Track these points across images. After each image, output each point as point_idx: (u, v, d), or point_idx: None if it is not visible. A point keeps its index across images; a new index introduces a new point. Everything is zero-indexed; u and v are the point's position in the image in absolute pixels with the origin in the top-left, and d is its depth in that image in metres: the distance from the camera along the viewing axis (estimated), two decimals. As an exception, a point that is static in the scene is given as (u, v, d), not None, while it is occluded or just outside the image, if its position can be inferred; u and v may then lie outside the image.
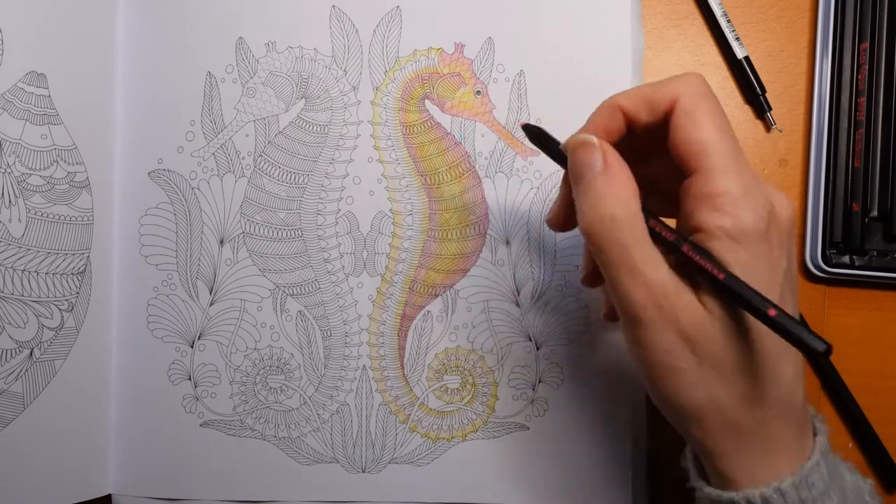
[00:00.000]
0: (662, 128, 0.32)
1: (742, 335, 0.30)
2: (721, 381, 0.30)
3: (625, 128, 0.32)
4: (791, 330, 0.27)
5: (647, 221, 0.30)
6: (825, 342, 0.27)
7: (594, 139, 0.31)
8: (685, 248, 0.30)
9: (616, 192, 0.30)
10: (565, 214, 0.35)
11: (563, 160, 0.33)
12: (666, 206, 0.34)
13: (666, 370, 0.30)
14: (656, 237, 0.30)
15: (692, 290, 0.30)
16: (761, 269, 0.29)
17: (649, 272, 0.29)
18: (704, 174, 0.30)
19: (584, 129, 0.33)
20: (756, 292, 0.28)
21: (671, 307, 0.29)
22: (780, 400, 0.30)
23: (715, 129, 0.30)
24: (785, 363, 0.30)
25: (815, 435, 0.33)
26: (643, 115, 0.32)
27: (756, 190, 0.29)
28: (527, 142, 0.39)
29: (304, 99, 0.44)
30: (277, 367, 0.44)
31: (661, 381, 0.31)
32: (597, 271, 0.34)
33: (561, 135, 0.37)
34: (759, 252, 0.29)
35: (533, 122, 0.41)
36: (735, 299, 0.29)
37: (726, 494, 0.31)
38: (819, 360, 0.28)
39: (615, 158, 0.31)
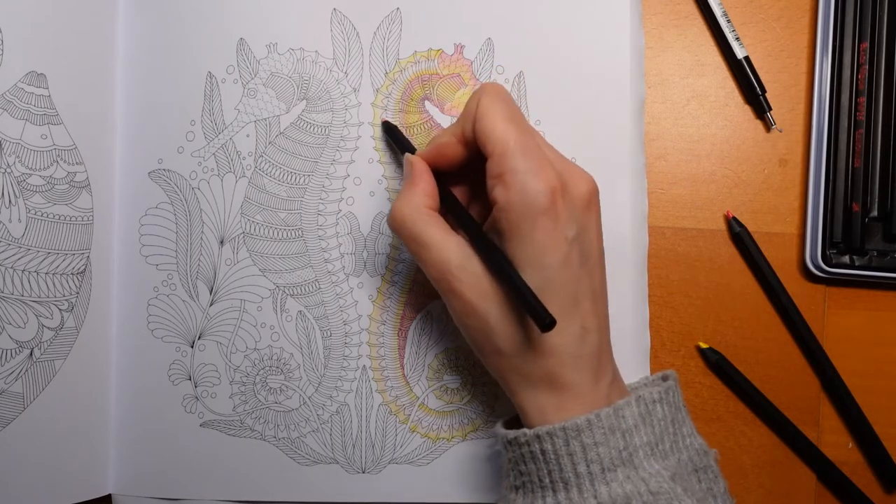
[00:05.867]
0: None
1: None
2: (501, 333, 0.35)
3: (462, 150, 0.38)
4: (525, 297, 0.33)
5: (455, 215, 0.38)
6: (551, 317, 0.32)
7: (409, 157, 0.39)
8: (461, 230, 0.37)
9: (410, 198, 0.37)
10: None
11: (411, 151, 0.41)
12: None
13: (463, 325, 0.37)
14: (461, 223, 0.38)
15: (482, 261, 0.36)
16: (545, 239, 0.34)
17: (435, 253, 0.36)
18: (495, 157, 0.35)
19: (427, 150, 0.39)
20: (504, 262, 0.34)
21: (456, 279, 0.36)
22: (563, 350, 0.35)
23: (502, 119, 0.35)
24: (566, 319, 0.35)
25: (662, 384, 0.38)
26: (469, 132, 0.37)
27: (542, 168, 0.34)
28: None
29: (305, 100, 0.44)
30: (277, 368, 0.44)
31: (465, 332, 0.37)
32: None
33: (562, 133, 0.41)
34: (540, 224, 0.34)
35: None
36: (492, 267, 0.35)
37: (519, 431, 0.35)
38: (544, 329, 0.33)
39: (420, 170, 0.38)
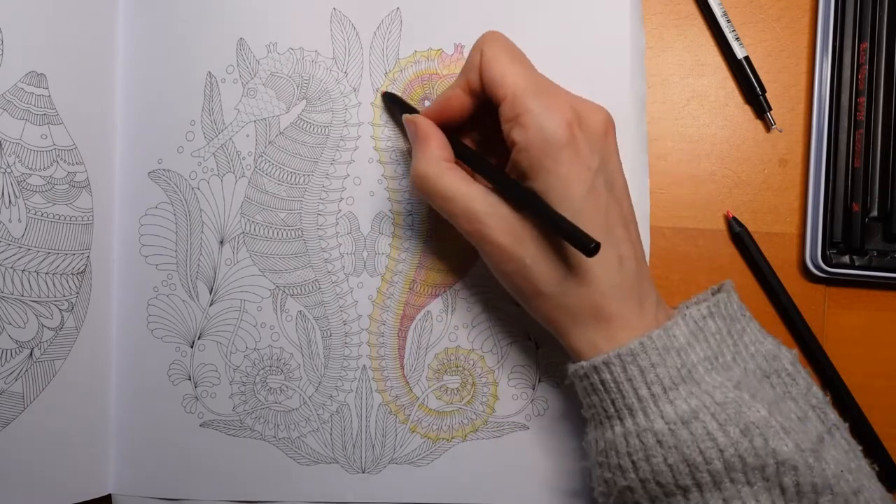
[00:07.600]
0: None
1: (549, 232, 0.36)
2: (540, 272, 0.35)
3: (469, 101, 0.38)
4: (564, 226, 0.33)
5: (472, 164, 0.38)
6: (594, 241, 0.32)
7: (411, 116, 0.39)
8: (480, 175, 0.38)
9: (426, 154, 0.37)
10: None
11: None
12: None
13: (501, 272, 0.37)
14: (481, 172, 0.38)
15: (509, 204, 0.36)
16: (569, 171, 0.34)
17: (462, 204, 0.36)
18: (508, 100, 0.35)
19: (432, 107, 0.39)
20: (534, 197, 0.34)
21: (487, 226, 0.36)
22: (603, 280, 0.35)
23: (509, 62, 0.36)
24: (603, 250, 0.34)
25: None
26: (475, 82, 0.37)
27: (556, 104, 0.35)
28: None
29: (304, 100, 0.44)
30: (277, 368, 0.44)
31: (504, 279, 0.38)
32: None
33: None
34: (563, 158, 0.34)
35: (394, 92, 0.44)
36: (523, 205, 0.36)
37: (577, 364, 0.36)
38: (589, 254, 0.32)
39: (427, 127, 0.38)
